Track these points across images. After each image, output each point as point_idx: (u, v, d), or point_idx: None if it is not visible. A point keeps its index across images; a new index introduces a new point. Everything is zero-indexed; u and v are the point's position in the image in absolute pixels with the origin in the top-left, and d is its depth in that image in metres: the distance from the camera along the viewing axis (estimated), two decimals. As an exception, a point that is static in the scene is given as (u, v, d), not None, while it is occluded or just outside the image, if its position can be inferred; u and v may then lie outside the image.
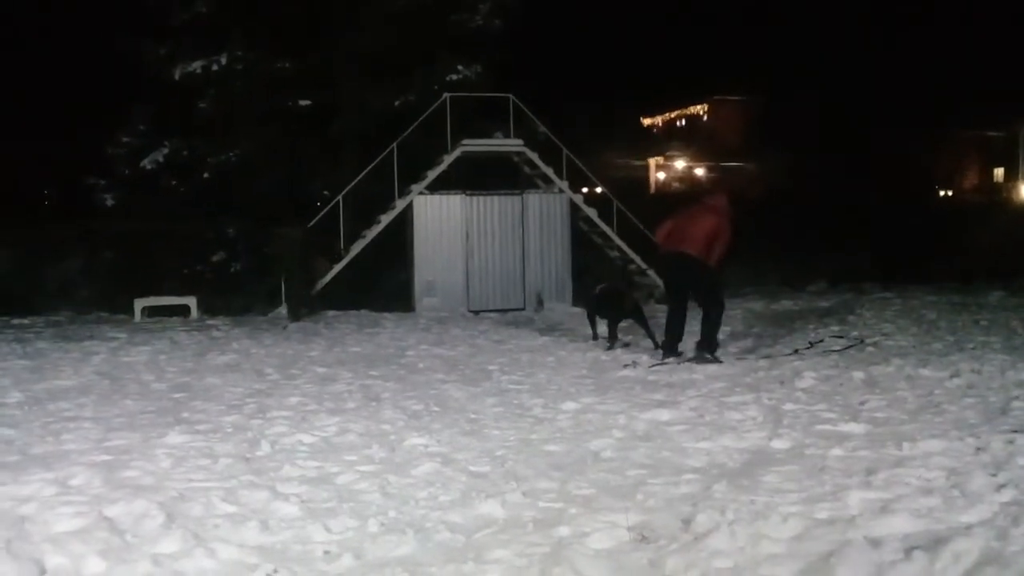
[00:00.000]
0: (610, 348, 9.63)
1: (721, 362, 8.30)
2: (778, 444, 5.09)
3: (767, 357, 8.69)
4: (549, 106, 18.88)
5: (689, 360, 8.37)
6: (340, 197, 16.06)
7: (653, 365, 8.30)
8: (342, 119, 18.62)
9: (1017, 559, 3.09)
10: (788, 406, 6.15)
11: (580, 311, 12.89)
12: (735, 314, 12.57)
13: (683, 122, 54.54)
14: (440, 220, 15.97)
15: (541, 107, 17.27)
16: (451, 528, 3.75)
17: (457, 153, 16.17)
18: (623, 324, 10.03)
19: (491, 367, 8.55)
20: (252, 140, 18.32)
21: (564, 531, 3.67)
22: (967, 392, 6.47)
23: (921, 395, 6.41)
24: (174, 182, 19.23)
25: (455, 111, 16.31)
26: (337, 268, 15.77)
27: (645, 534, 3.58)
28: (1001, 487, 4.00)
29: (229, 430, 5.76)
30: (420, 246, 15.91)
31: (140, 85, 19.09)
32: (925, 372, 7.32)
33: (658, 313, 10.68)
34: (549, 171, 16.65)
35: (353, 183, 16.17)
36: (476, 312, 15.32)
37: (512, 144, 16.67)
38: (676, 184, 49.26)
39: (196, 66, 17.99)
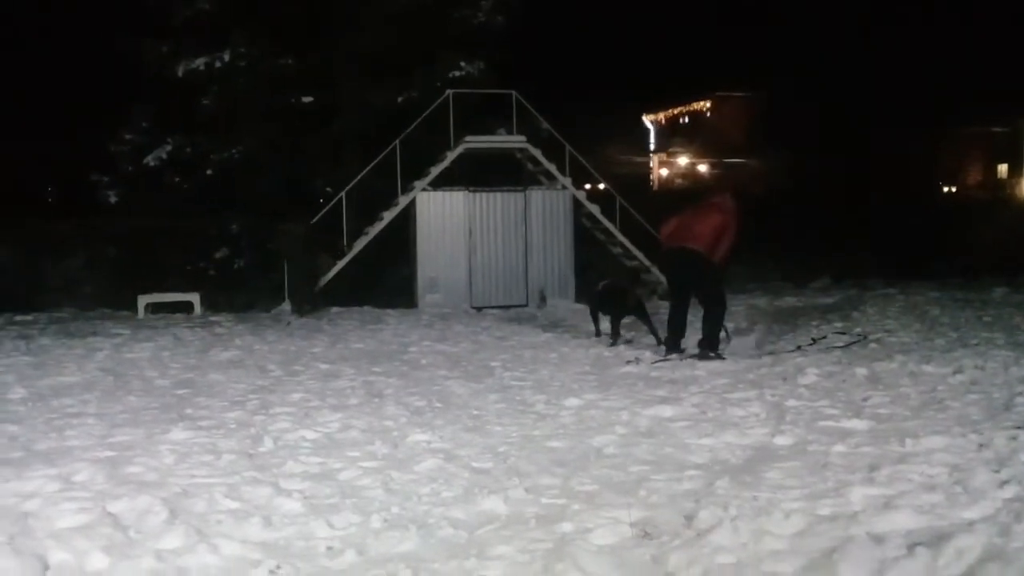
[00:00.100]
0: (613, 344, 9.63)
1: (724, 359, 8.30)
2: (781, 440, 5.09)
3: (770, 353, 8.68)
4: (552, 102, 18.84)
5: (692, 356, 8.37)
6: (343, 194, 16.07)
7: (656, 361, 8.29)
8: (344, 116, 18.62)
9: (1020, 555, 3.08)
10: (791, 402, 6.14)
11: (583, 307, 12.89)
12: (739, 311, 12.57)
13: (686, 119, 54.43)
14: (443, 217, 15.98)
15: (544, 103, 17.28)
16: (454, 524, 3.75)
17: (460, 150, 16.17)
18: (626, 320, 10.03)
19: (494, 363, 8.55)
20: (255, 137, 18.33)
21: (567, 527, 3.67)
22: (970, 388, 6.46)
23: (924, 391, 6.40)
24: (177, 179, 19.24)
25: (458, 108, 16.31)
26: (340, 264, 15.79)
27: (648, 530, 3.58)
28: (1004, 483, 3.99)
29: (232, 426, 5.77)
30: (423, 243, 15.92)
31: (143, 82, 19.08)
32: (928, 368, 7.31)
33: (661, 310, 10.68)
34: (552, 167, 16.65)
35: (356, 180, 16.18)
36: (479, 308, 15.33)
37: (515, 141, 16.67)
38: (679, 180, 49.18)
39: (199, 63, 18.00)
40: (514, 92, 16.62)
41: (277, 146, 18.29)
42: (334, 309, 14.63)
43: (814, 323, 11.11)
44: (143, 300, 14.87)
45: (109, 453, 5.01)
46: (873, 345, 9.02)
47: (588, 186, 18.49)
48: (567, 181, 16.64)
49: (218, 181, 18.72)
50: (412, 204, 15.93)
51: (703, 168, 49.70)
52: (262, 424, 5.79)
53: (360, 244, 15.96)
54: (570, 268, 16.40)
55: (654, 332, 9.51)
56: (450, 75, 18.20)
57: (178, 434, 5.47)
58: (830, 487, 4.11)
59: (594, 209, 17.01)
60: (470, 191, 16.14)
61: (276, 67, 18.07)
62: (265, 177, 18.28)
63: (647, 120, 55.73)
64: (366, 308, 14.81)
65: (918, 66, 51.67)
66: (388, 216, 15.99)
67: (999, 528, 3.36)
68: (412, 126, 16.21)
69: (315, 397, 6.81)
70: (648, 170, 50.62)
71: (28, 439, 5.45)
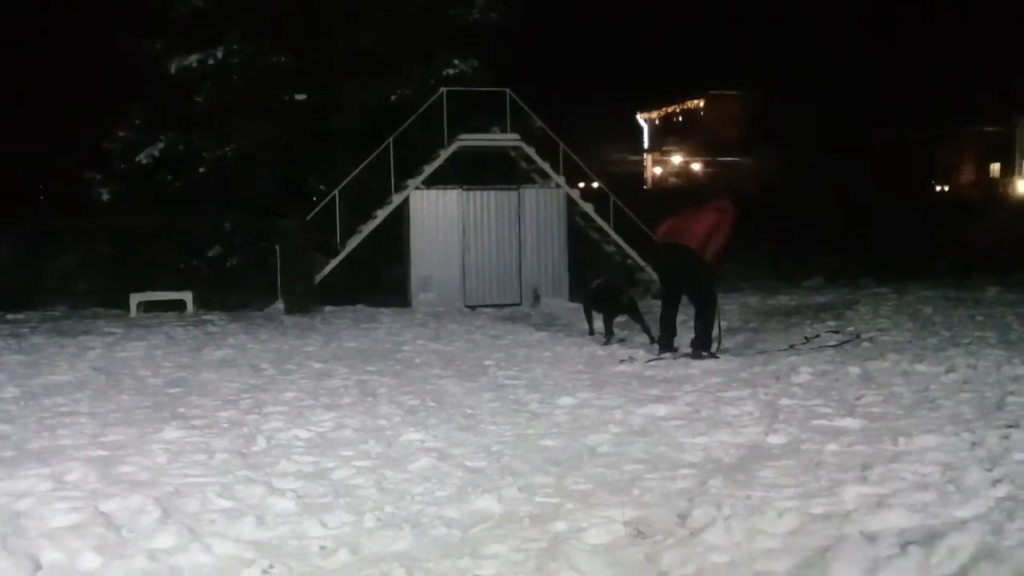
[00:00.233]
0: (606, 343, 9.63)
1: (717, 357, 8.31)
2: (774, 439, 5.10)
3: (763, 352, 8.70)
4: (546, 101, 18.90)
5: (685, 355, 8.38)
6: (336, 192, 16.04)
7: (649, 360, 8.30)
8: (338, 114, 18.59)
9: (1012, 554, 3.09)
10: (784, 401, 6.16)
11: (576, 306, 12.89)
12: (731, 309, 12.59)
13: (680, 117, 54.48)
14: (437, 215, 15.97)
15: (538, 102, 17.28)
16: (447, 523, 3.75)
17: (454, 148, 16.16)
18: (620, 319, 10.04)
19: (487, 362, 8.55)
20: (248, 135, 18.29)
21: (560, 526, 3.67)
22: (963, 387, 6.48)
23: (917, 390, 6.42)
24: (170, 177, 19.18)
25: (452, 106, 16.30)
26: (334, 263, 15.76)
27: (641, 529, 3.58)
28: (996, 482, 4.00)
29: (225, 425, 5.76)
30: (416, 241, 15.90)
31: (136, 79, 19.03)
32: (921, 367, 7.33)
33: (655, 308, 10.67)
34: (546, 166, 16.65)
35: (349, 177, 16.16)
36: (472, 307, 15.32)
37: (509, 139, 16.66)
38: (673, 179, 49.25)
39: (192, 60, 17.96)
40: (508, 90, 16.60)
41: (270, 144, 18.26)
42: (327, 308, 14.61)
43: (807, 322, 11.14)
44: (135, 298, 14.82)
45: (101, 452, 5.00)
46: (866, 344, 9.05)
47: (582, 184, 18.50)
48: (561, 179, 16.64)
49: (211, 179, 18.68)
50: (405, 202, 15.91)
51: (697, 167, 49.75)
52: (255, 423, 5.78)
53: (353, 242, 15.93)
54: (564, 267, 16.40)
55: (647, 331, 9.52)
56: (444, 73, 18.20)
57: (171, 433, 5.45)
58: (823, 486, 4.11)
59: (588, 208, 17.01)
60: (464, 189, 16.12)
61: (270, 64, 18.04)
62: (258, 175, 18.25)
63: (641, 118, 55.80)
64: (359, 307, 14.80)
65: (912, 65, 51.80)
66: (381, 214, 15.97)
67: (992, 526, 3.37)
68: (406, 124, 16.19)
69: (308, 396, 6.80)
70: (642, 168, 50.66)
71: (20, 438, 5.43)
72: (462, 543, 3.53)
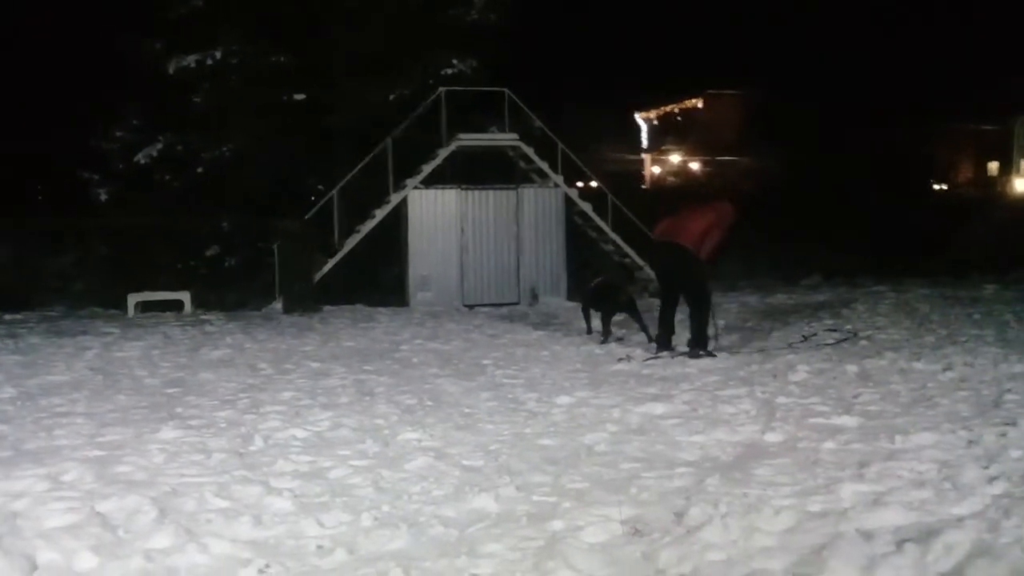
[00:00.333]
0: (604, 342, 9.63)
1: (715, 356, 8.31)
2: (771, 437, 5.10)
3: (761, 351, 8.70)
4: (544, 101, 18.85)
5: (682, 354, 8.38)
6: (335, 192, 16.04)
7: (647, 359, 8.31)
8: (337, 113, 18.58)
9: (1008, 551, 3.09)
10: (781, 399, 6.16)
11: (575, 305, 12.89)
12: (729, 307, 12.59)
13: (678, 116, 54.44)
14: (435, 214, 15.97)
15: (536, 101, 17.27)
16: (444, 522, 3.75)
17: (452, 147, 16.16)
18: (617, 318, 10.05)
19: (485, 361, 8.55)
20: (246, 134, 18.26)
21: (557, 525, 3.67)
22: (960, 385, 6.49)
23: (914, 388, 6.43)
24: (168, 177, 19.15)
25: (450, 105, 16.30)
26: (332, 263, 15.75)
27: (638, 527, 3.58)
28: (993, 479, 4.01)
29: (222, 425, 5.75)
30: (415, 240, 15.90)
31: (134, 79, 18.99)
32: (918, 365, 7.34)
33: (653, 307, 10.68)
34: (544, 165, 16.65)
35: (347, 177, 16.15)
36: (470, 306, 15.32)
37: (507, 138, 16.66)
38: (671, 178, 49.22)
39: (190, 60, 17.93)
40: (506, 90, 16.60)
41: (268, 144, 18.23)
42: (325, 307, 14.61)
43: (805, 320, 11.14)
44: (133, 298, 14.80)
45: (98, 452, 4.99)
46: (863, 342, 9.05)
47: (580, 184, 18.49)
48: (559, 179, 16.65)
49: (209, 179, 18.65)
50: (404, 202, 15.91)
51: (695, 166, 49.73)
52: (252, 423, 5.77)
53: (352, 242, 15.93)
54: (562, 266, 16.40)
55: (645, 330, 9.52)
56: (442, 73, 18.18)
57: (168, 433, 5.45)
58: (820, 484, 4.12)
59: (586, 207, 17.02)
60: (462, 189, 16.12)
61: (268, 64, 18.01)
62: (257, 175, 18.22)
63: (639, 118, 55.76)
64: (357, 306, 14.79)
65: (910, 64, 51.83)
66: (380, 214, 15.96)
67: (988, 524, 3.37)
68: (404, 124, 16.18)
69: (306, 396, 6.80)
70: (640, 168, 50.64)
71: (17, 438, 5.43)
72: (459, 542, 3.53)
